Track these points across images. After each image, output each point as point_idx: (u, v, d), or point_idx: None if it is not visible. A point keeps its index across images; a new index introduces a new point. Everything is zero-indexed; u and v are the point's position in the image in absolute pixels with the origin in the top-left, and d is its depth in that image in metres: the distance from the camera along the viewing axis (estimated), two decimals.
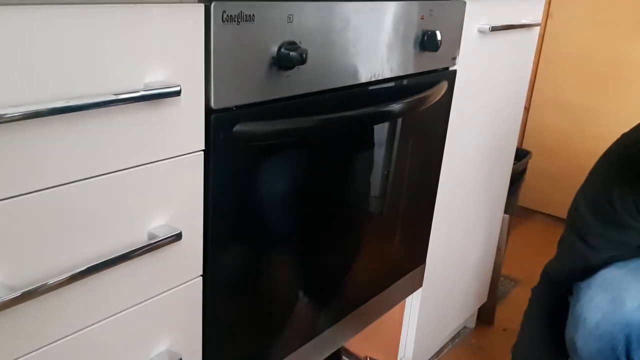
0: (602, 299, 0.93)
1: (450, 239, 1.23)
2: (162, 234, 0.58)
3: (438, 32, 0.88)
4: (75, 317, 0.54)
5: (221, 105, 0.61)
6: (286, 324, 0.83)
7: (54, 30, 0.46)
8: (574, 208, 1.00)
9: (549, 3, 2.08)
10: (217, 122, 0.61)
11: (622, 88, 1.98)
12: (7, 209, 0.47)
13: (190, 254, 0.63)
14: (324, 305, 0.90)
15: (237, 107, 0.63)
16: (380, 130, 0.89)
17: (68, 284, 0.51)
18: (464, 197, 1.23)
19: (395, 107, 0.82)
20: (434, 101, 0.92)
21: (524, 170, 1.98)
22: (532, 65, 1.34)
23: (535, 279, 1.08)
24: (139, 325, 0.61)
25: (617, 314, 0.90)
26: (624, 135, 0.97)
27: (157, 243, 0.57)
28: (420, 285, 1.16)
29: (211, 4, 0.56)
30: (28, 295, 0.48)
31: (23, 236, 0.49)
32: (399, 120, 0.92)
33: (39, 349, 0.52)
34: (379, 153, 0.90)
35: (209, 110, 0.60)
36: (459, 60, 1.00)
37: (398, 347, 1.22)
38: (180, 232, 0.59)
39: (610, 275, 0.95)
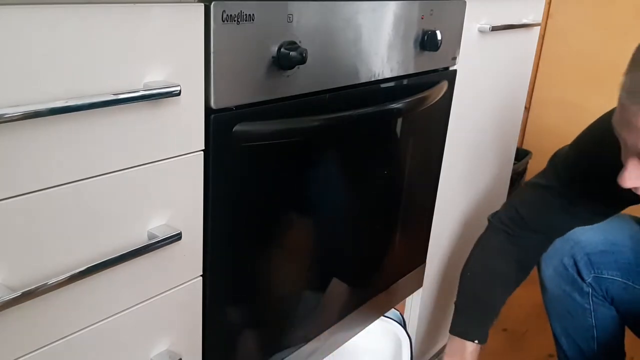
0: None
1: (450, 238, 1.23)
2: (162, 234, 0.58)
3: (438, 32, 0.88)
4: (75, 317, 0.54)
5: (221, 105, 0.61)
6: (286, 324, 0.83)
7: (53, 30, 0.46)
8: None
9: (550, 3, 2.08)
10: (217, 122, 0.61)
11: None
12: (6, 209, 0.47)
13: (190, 254, 0.63)
14: (324, 305, 0.90)
15: (237, 107, 0.63)
16: (380, 130, 0.89)
17: (68, 284, 0.51)
18: (464, 196, 1.23)
19: (396, 107, 0.82)
20: (434, 101, 0.92)
21: (524, 171, 1.98)
22: (532, 65, 1.34)
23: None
24: (139, 325, 0.61)
25: (570, 232, 0.97)
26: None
27: (157, 243, 0.57)
28: (421, 285, 1.16)
29: (211, 3, 0.56)
30: (28, 295, 0.48)
31: (22, 236, 0.48)
32: (399, 120, 0.92)
33: (39, 349, 0.52)
34: (379, 153, 0.90)
35: (208, 110, 0.60)
36: (459, 60, 1.00)
37: None
38: (180, 233, 0.59)
39: None
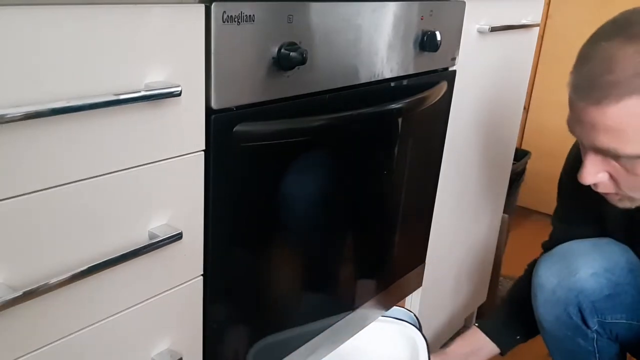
0: (560, 267, 0.96)
1: (449, 238, 1.23)
2: (163, 234, 0.58)
3: (438, 33, 0.88)
4: (76, 316, 0.55)
5: (222, 106, 0.61)
6: (286, 324, 0.83)
7: (54, 31, 0.46)
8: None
9: (549, 3, 2.08)
10: (217, 122, 0.61)
11: None
12: (7, 209, 0.47)
13: (190, 254, 0.64)
14: (324, 305, 0.90)
15: (237, 107, 0.63)
16: (380, 131, 0.89)
17: (69, 284, 0.51)
18: (464, 197, 1.23)
19: (395, 107, 0.83)
20: (433, 101, 0.92)
21: (523, 171, 1.98)
22: (531, 65, 1.34)
23: None
24: (139, 324, 0.61)
25: (571, 280, 0.94)
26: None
27: (158, 243, 0.57)
28: (420, 285, 1.16)
29: (211, 4, 0.56)
30: (29, 295, 0.48)
31: (24, 236, 0.49)
32: (399, 121, 0.92)
33: (40, 348, 0.53)
34: (379, 153, 0.90)
35: (209, 111, 0.60)
36: (458, 60, 1.00)
37: None
38: (181, 232, 0.59)
39: (569, 247, 0.99)
